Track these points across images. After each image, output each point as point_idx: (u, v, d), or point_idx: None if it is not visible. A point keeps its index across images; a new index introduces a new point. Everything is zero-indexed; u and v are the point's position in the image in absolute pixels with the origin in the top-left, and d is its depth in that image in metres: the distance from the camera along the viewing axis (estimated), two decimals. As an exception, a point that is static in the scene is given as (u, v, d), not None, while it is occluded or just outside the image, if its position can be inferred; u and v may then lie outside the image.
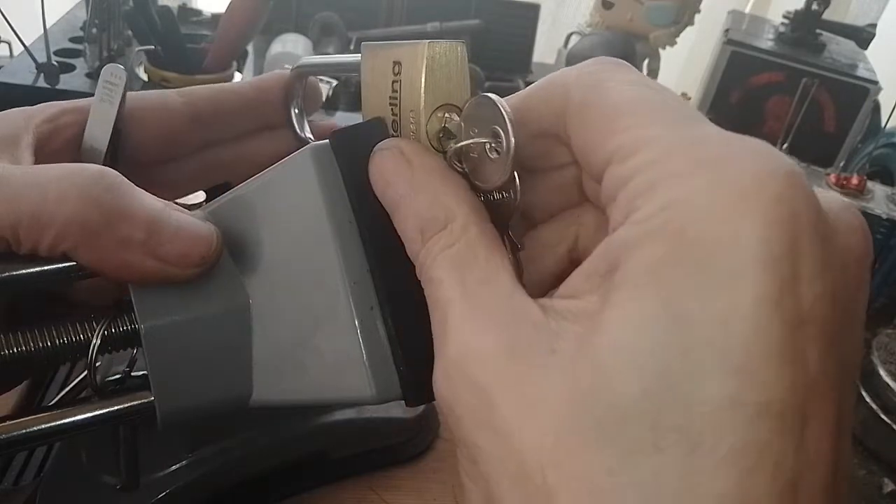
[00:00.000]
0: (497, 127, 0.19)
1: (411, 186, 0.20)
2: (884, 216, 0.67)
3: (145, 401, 0.24)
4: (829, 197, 0.16)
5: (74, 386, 0.46)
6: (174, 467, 0.38)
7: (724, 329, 0.14)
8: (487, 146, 0.19)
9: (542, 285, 0.22)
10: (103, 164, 0.24)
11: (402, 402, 0.21)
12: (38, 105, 0.28)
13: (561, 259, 0.22)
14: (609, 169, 0.17)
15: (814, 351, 0.14)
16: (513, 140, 0.18)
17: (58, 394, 0.46)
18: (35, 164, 0.25)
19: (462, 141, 0.20)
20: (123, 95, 0.27)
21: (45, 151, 0.26)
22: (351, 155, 0.21)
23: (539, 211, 0.23)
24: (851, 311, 0.16)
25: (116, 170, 0.23)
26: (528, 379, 0.16)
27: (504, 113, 0.19)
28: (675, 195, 0.15)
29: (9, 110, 0.27)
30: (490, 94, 0.19)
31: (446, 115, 0.20)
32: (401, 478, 0.47)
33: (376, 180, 0.21)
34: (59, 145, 0.27)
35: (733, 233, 0.14)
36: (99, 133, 0.28)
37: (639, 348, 0.14)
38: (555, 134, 0.20)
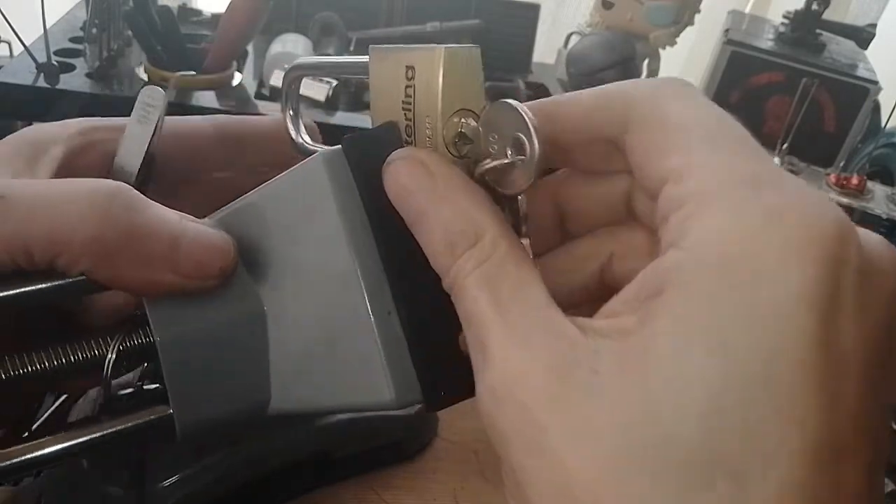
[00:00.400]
0: (520, 134, 0.19)
1: (435, 199, 0.19)
2: (884, 216, 0.67)
3: (163, 414, 0.23)
4: (867, 234, 0.16)
5: (59, 405, 0.47)
6: (180, 476, 0.38)
7: (770, 366, 0.14)
8: (509, 152, 0.19)
9: (569, 298, 0.22)
10: (133, 186, 0.23)
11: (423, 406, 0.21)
12: (71, 119, 0.28)
13: (592, 275, 0.22)
14: (665, 187, 0.17)
15: (854, 389, 0.15)
16: (537, 147, 0.18)
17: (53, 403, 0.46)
18: (61, 176, 0.25)
19: (482, 149, 0.20)
20: (160, 118, 0.27)
21: (77, 165, 0.26)
22: (364, 160, 0.21)
23: (580, 223, 0.22)
24: (890, 347, 0.16)
25: (146, 194, 0.23)
26: (574, 401, 0.16)
27: (528, 120, 0.18)
28: (729, 227, 0.15)
29: (46, 123, 0.27)
30: (510, 101, 0.19)
31: (462, 119, 0.20)
32: (401, 477, 0.47)
33: (395, 191, 0.20)
34: (91, 161, 0.27)
35: (782, 272, 0.15)
36: (132, 154, 0.27)
37: (690, 381, 0.15)
38: (612, 140, 0.20)
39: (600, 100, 0.20)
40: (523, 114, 0.18)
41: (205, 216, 0.25)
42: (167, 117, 0.28)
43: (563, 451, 0.15)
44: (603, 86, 0.20)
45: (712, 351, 0.15)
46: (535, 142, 0.18)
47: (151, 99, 0.27)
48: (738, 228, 0.15)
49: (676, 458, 0.14)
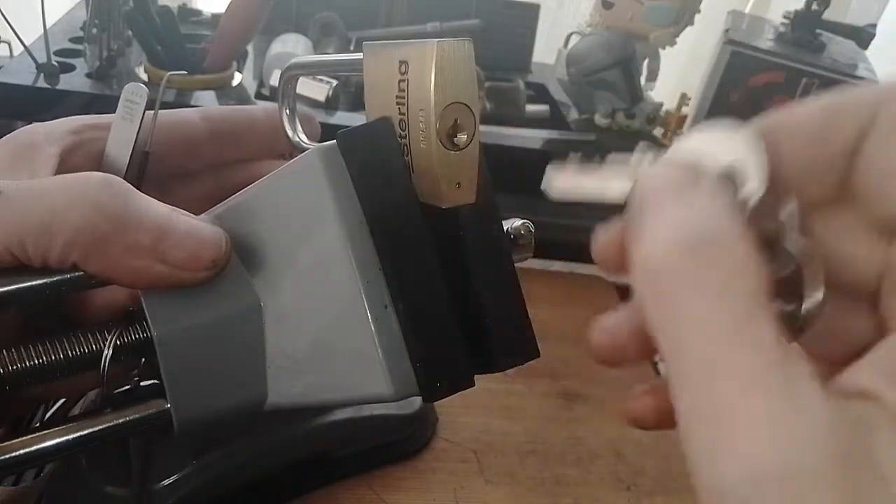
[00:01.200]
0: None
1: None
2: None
3: (160, 409, 0.24)
4: None
5: (62, 405, 0.47)
6: (179, 475, 0.38)
7: None
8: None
9: None
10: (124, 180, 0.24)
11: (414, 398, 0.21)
12: (62, 119, 0.28)
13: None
14: None
15: None
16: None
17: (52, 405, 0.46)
18: (59, 174, 0.25)
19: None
20: (144, 114, 0.27)
21: (68, 163, 0.26)
22: (359, 155, 0.21)
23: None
24: None
25: (140, 189, 0.23)
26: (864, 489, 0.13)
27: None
28: None
29: (37, 124, 0.27)
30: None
31: (455, 113, 0.20)
32: (400, 477, 0.47)
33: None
34: (82, 159, 0.27)
35: None
36: (119, 150, 0.28)
37: None
38: (846, 154, 0.17)
39: (838, 107, 0.17)
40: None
41: (202, 212, 0.25)
42: (161, 111, 0.28)
43: None
44: (851, 90, 0.17)
45: None
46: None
47: (134, 95, 0.28)
48: None
49: None
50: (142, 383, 0.25)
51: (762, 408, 0.14)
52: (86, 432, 0.23)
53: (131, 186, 0.23)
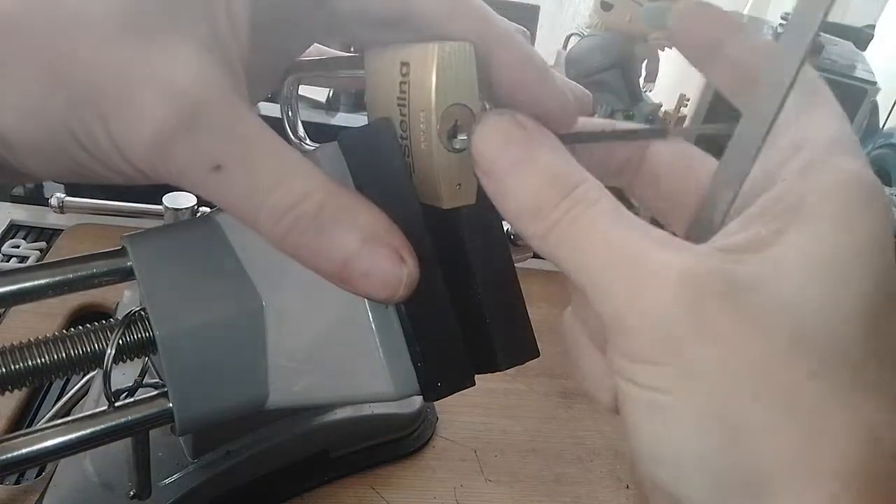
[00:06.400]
0: None
1: (534, 146, 0.19)
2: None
3: (162, 408, 0.24)
4: None
5: (69, 398, 0.47)
6: (180, 474, 0.38)
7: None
8: None
9: None
10: None
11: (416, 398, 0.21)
12: None
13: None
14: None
15: None
16: None
17: (52, 406, 0.47)
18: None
19: None
20: None
21: None
22: (360, 155, 0.21)
23: None
24: None
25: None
26: (742, 289, 0.16)
27: None
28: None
29: None
30: None
31: (456, 115, 0.21)
32: (401, 476, 0.47)
33: (492, 142, 0.19)
34: None
35: None
36: None
37: (847, 279, 0.16)
38: None
39: None
40: None
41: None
42: None
43: (732, 335, 0.16)
44: None
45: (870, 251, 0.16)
46: None
47: None
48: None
49: (840, 350, 0.16)
50: (145, 381, 0.25)
51: (648, 240, 0.18)
52: (87, 431, 0.23)
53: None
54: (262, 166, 0.18)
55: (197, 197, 0.45)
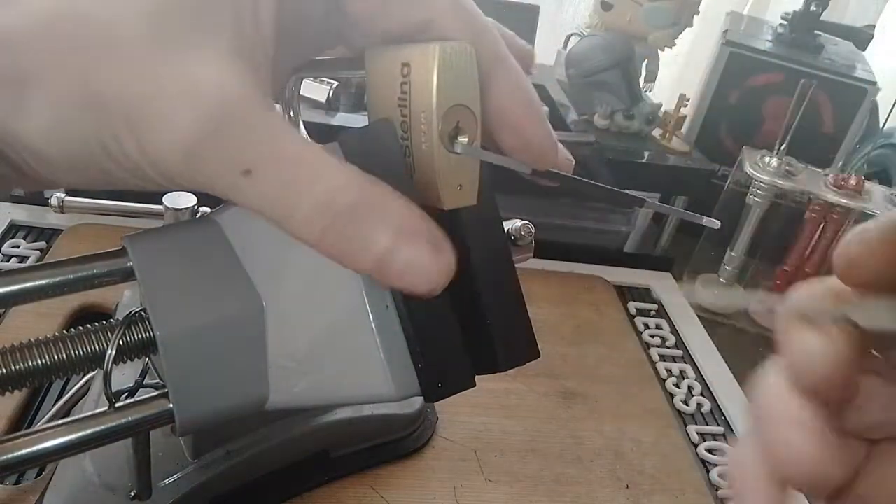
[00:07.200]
0: None
1: None
2: (882, 216, 0.67)
3: (163, 409, 0.24)
4: None
5: (69, 399, 0.47)
6: (181, 474, 0.38)
7: None
8: None
9: None
10: None
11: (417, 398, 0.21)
12: None
13: None
14: None
15: None
16: None
17: (52, 407, 0.47)
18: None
19: None
20: None
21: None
22: (361, 156, 0.21)
23: None
24: None
25: None
26: None
27: None
28: None
29: None
30: None
31: (457, 115, 0.21)
32: (401, 476, 0.47)
33: None
34: None
35: None
36: None
37: None
38: None
39: None
40: None
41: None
42: None
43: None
44: None
45: None
46: None
47: None
48: None
49: None
50: (145, 382, 0.25)
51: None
52: (87, 432, 0.23)
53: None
54: (293, 167, 0.18)
55: (197, 197, 0.45)
